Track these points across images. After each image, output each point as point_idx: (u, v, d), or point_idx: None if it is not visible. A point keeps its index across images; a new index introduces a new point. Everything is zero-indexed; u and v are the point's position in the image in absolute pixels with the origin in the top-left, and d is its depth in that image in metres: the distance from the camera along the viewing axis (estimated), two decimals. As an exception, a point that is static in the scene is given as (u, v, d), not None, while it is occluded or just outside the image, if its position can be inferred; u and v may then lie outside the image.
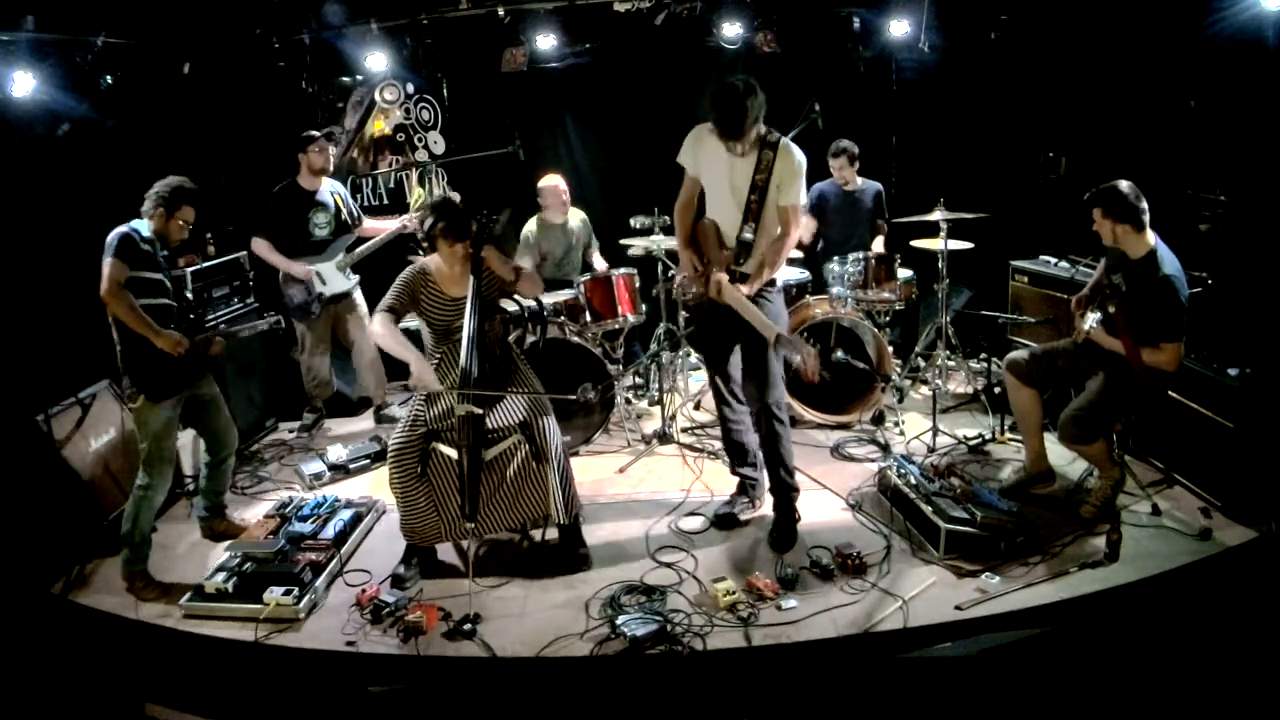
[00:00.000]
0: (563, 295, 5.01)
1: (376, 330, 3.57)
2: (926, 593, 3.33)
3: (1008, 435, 4.66)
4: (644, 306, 5.11)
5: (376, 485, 4.55)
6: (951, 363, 5.38)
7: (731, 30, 5.65)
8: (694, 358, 5.90)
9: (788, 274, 5.18)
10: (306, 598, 3.39)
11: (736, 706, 2.94)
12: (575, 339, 4.80)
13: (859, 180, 5.57)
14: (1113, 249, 3.70)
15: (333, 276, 5.08)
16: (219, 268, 5.11)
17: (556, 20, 5.56)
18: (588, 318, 4.96)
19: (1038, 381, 3.99)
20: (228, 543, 3.82)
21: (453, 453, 3.48)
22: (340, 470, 4.72)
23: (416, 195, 6.20)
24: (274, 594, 3.36)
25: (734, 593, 3.32)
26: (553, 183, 5.35)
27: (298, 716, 3.11)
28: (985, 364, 5.43)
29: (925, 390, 5.33)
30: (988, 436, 4.71)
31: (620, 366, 5.36)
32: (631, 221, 5.24)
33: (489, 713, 3.04)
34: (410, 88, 6.07)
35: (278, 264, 4.99)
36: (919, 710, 2.93)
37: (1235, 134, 4.56)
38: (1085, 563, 3.42)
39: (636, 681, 3.01)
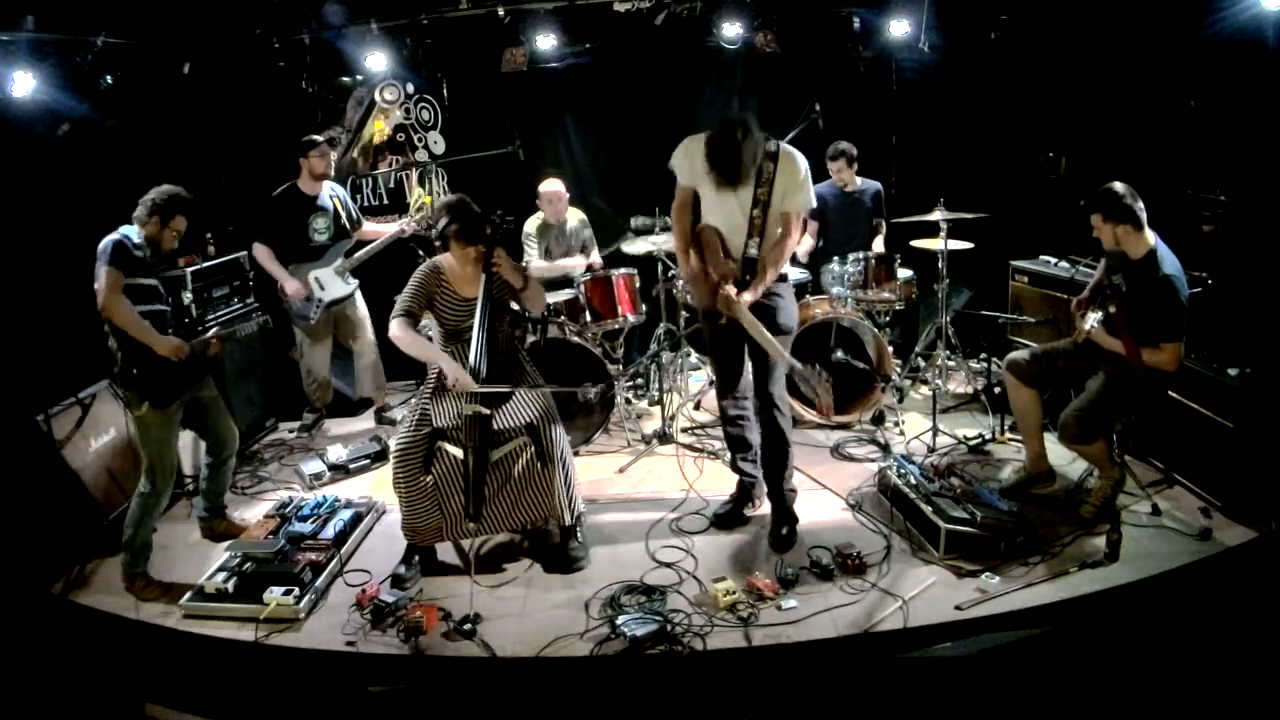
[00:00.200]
0: (563, 295, 5.01)
1: (397, 336, 3.52)
2: (926, 593, 3.33)
3: (1008, 435, 4.66)
4: (644, 306, 5.11)
5: (376, 485, 4.55)
6: (951, 363, 5.38)
7: (731, 30, 5.65)
8: (694, 358, 5.91)
9: (790, 274, 5.18)
10: (306, 598, 3.39)
11: (736, 706, 2.94)
12: (575, 339, 4.80)
13: (858, 181, 5.57)
14: (1113, 250, 3.70)
15: (331, 282, 5.08)
16: (219, 268, 5.12)
17: (556, 20, 5.56)
18: (588, 318, 4.96)
19: (1038, 381, 3.99)
20: (228, 543, 3.82)
21: (458, 452, 3.47)
22: (340, 470, 4.72)
23: (416, 195, 6.20)
24: (274, 594, 3.36)
25: (734, 593, 3.32)
26: (553, 188, 5.36)
27: (298, 716, 3.11)
28: (985, 364, 5.43)
29: (925, 390, 5.33)
30: (988, 436, 4.71)
31: (620, 366, 5.37)
32: (631, 221, 5.24)
33: (489, 713, 3.04)
34: (410, 88, 6.07)
35: (274, 274, 4.99)
36: (919, 710, 2.93)
37: (1235, 134, 4.56)
38: (1085, 563, 3.43)
39: (636, 681, 3.01)
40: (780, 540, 3.75)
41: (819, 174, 5.45)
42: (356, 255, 5.15)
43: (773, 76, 6.04)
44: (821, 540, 3.71)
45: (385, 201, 6.27)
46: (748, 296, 3.49)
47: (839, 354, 4.94)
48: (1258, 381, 3.66)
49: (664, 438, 4.90)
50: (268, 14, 5.42)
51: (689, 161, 3.60)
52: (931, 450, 4.61)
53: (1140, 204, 3.53)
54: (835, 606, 3.28)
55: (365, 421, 5.58)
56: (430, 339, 3.80)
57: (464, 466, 3.44)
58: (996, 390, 4.80)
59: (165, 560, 3.85)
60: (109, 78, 4.82)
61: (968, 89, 5.89)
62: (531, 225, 5.43)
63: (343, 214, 5.19)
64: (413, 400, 3.77)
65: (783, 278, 3.66)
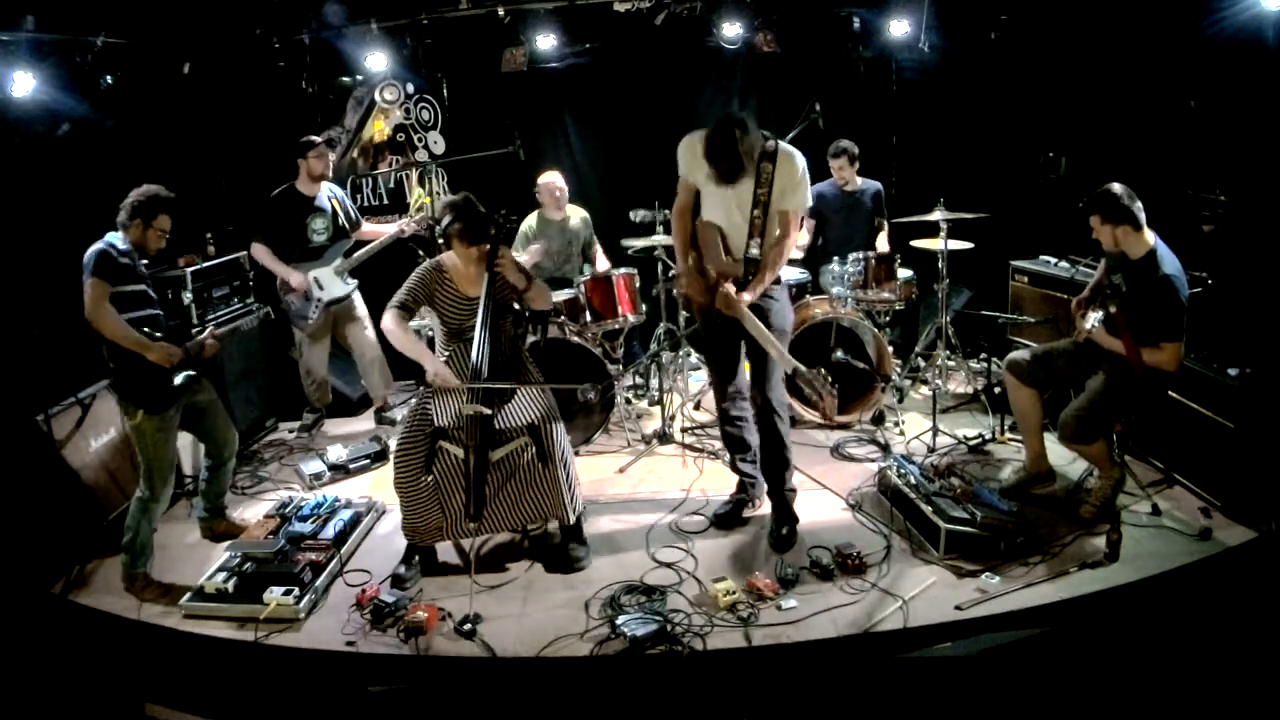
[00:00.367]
0: (563, 295, 5.00)
1: (388, 327, 3.54)
2: (926, 593, 3.33)
3: (1008, 435, 4.66)
4: (644, 306, 5.11)
5: (376, 485, 4.55)
6: (951, 363, 5.38)
7: (731, 30, 5.65)
8: (694, 358, 5.91)
9: (787, 274, 5.18)
10: (306, 598, 3.39)
11: (736, 706, 2.94)
12: (575, 339, 4.80)
13: (859, 180, 5.56)
14: (1113, 251, 3.70)
15: (330, 282, 5.08)
16: (219, 268, 5.12)
17: (556, 20, 5.56)
18: (588, 318, 4.96)
19: (1038, 381, 3.99)
20: (228, 543, 3.82)
21: (459, 452, 3.47)
22: (340, 470, 4.72)
23: (416, 195, 6.20)
24: (274, 594, 3.36)
25: (734, 593, 3.32)
26: (548, 180, 5.36)
27: (298, 716, 3.11)
28: (985, 364, 5.43)
29: (925, 390, 5.33)
30: (988, 436, 4.71)
31: (620, 366, 5.37)
32: (632, 215, 5.23)
33: (489, 713, 3.04)
34: (410, 88, 6.08)
35: (275, 270, 4.99)
36: (919, 710, 2.93)
37: (1235, 134, 4.56)
38: (1085, 563, 3.42)
39: (636, 681, 3.01)
40: (780, 540, 3.75)
41: (820, 173, 5.48)
42: (355, 255, 5.15)
43: (773, 76, 6.05)
44: (821, 540, 3.70)
45: (385, 201, 6.28)
46: (747, 296, 3.49)
47: (839, 354, 4.94)
48: (1258, 381, 3.66)
49: (664, 438, 4.90)
50: (268, 14, 5.43)
51: (691, 156, 3.61)
52: (931, 450, 4.61)
53: (1139, 204, 3.53)
54: (835, 606, 3.28)
55: (365, 421, 5.58)
56: (432, 338, 3.80)
57: (465, 466, 3.44)
58: (996, 390, 4.80)
59: (165, 560, 3.85)
60: (109, 78, 4.83)
61: (968, 89, 5.89)
62: (529, 223, 5.44)
63: (341, 214, 5.19)
64: (413, 400, 3.77)
65: (776, 280, 3.66)
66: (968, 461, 4.46)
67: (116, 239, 3.55)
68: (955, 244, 5.07)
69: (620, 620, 3.16)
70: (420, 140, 6.18)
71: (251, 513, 4.30)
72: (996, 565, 3.44)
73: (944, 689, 2.96)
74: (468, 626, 3.22)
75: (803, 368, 3.29)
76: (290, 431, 5.44)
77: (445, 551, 3.80)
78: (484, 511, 3.44)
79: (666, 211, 4.87)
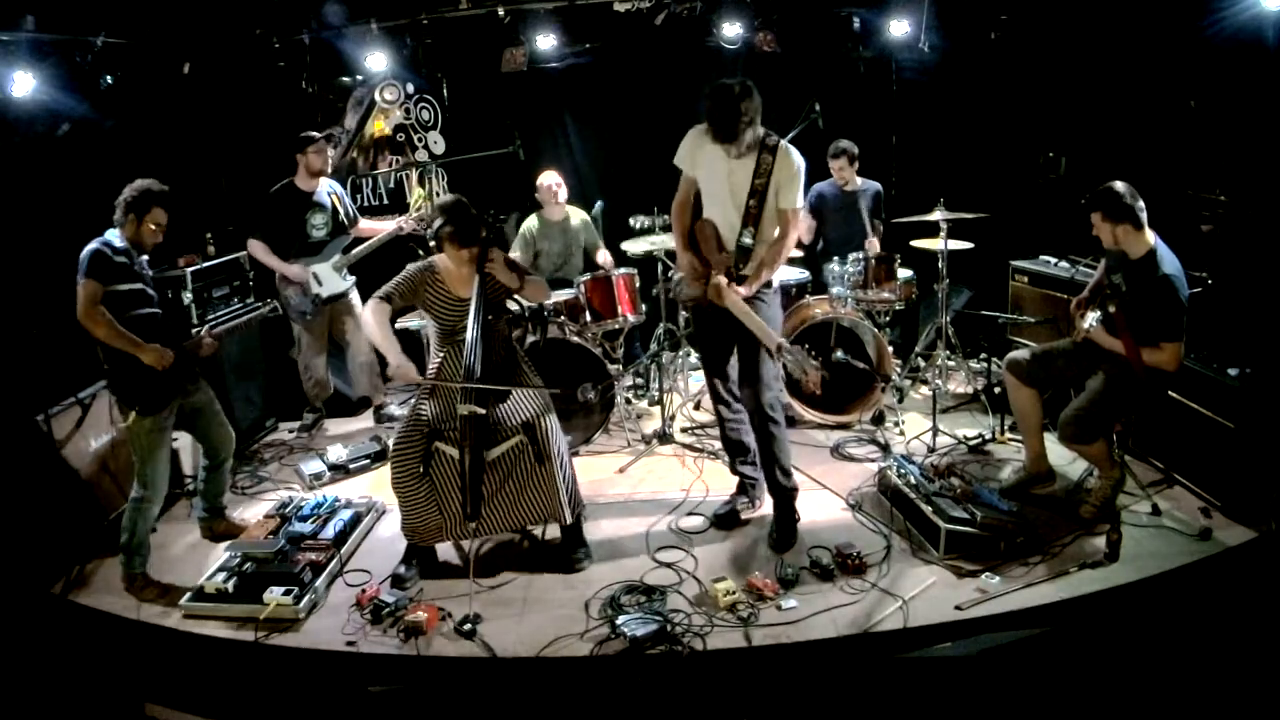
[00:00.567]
0: (563, 295, 5.00)
1: (366, 315, 3.57)
2: (926, 593, 3.33)
3: (1008, 435, 4.66)
4: (644, 306, 5.11)
5: (376, 485, 4.55)
6: (951, 363, 5.38)
7: (731, 30, 5.65)
8: (694, 358, 5.90)
9: (787, 274, 5.19)
10: (306, 598, 3.39)
11: (736, 706, 2.94)
12: (575, 339, 4.80)
13: (858, 180, 5.56)
14: (1113, 250, 3.70)
15: (329, 277, 5.08)
16: (219, 268, 5.12)
17: (556, 20, 5.56)
18: (588, 318, 4.95)
19: (1038, 381, 3.99)
20: (228, 543, 3.82)
21: (455, 452, 3.47)
22: (340, 470, 4.72)
23: (416, 195, 6.20)
24: (274, 594, 3.35)
25: (734, 593, 3.32)
26: (547, 180, 5.37)
27: (298, 716, 3.11)
28: (985, 364, 5.43)
29: (925, 390, 5.33)
30: (988, 436, 4.71)
31: (620, 366, 5.37)
32: (631, 221, 5.24)
33: (489, 713, 3.04)
34: (410, 88, 6.07)
35: (273, 266, 4.99)
36: (919, 710, 2.93)
37: (1235, 134, 4.56)
38: (1085, 563, 3.42)
39: (636, 681, 3.01)
40: (780, 540, 3.75)
41: (820, 172, 5.48)
42: (354, 252, 5.16)
43: (773, 76, 6.02)
44: (821, 540, 3.70)
45: (385, 201, 6.28)
46: (741, 290, 3.49)
47: (839, 354, 4.95)
48: (1258, 381, 3.66)
49: (664, 438, 4.90)
50: (268, 14, 5.43)
51: (694, 144, 3.64)
52: (931, 450, 4.61)
53: (1140, 203, 3.53)
54: (835, 606, 3.28)
55: (365, 421, 5.58)
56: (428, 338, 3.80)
57: (460, 466, 3.44)
58: (996, 390, 4.80)
59: (165, 560, 3.85)
60: (109, 78, 4.82)
61: (968, 89, 5.89)
62: (530, 224, 5.44)
63: (340, 210, 5.19)
64: (412, 400, 3.77)
65: (768, 284, 3.66)
66: (968, 461, 4.45)
67: (114, 236, 3.54)
68: (955, 244, 5.07)
69: (620, 620, 3.16)
70: (420, 140, 6.18)
71: (251, 513, 4.30)
72: (996, 565, 3.44)
73: (944, 689, 2.96)
74: (468, 626, 3.22)
75: (786, 343, 3.29)
76: (290, 431, 5.44)
77: (445, 552, 3.80)
78: (481, 512, 3.44)
79: (665, 217, 4.88)
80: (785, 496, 3.81)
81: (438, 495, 3.53)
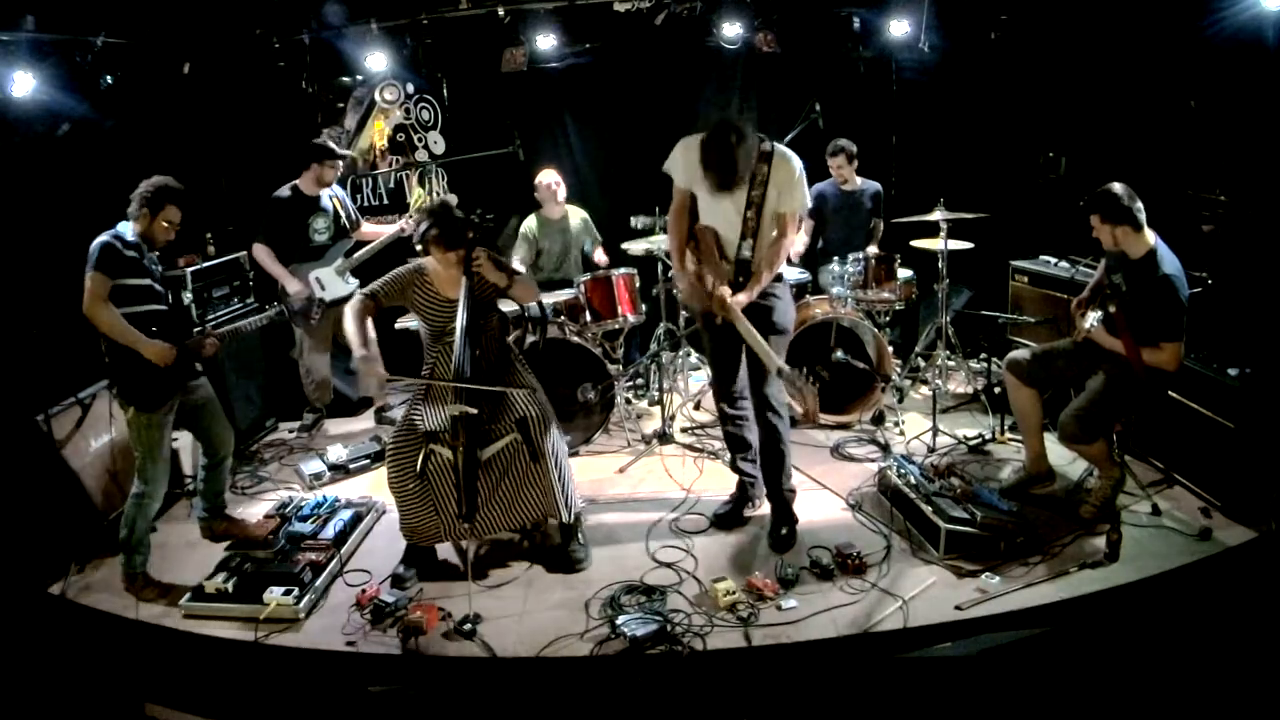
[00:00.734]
0: (563, 295, 5.00)
1: (348, 307, 3.59)
2: (926, 593, 3.33)
3: (1008, 435, 4.66)
4: (644, 306, 5.11)
5: (376, 485, 4.55)
6: (951, 363, 5.38)
7: (731, 30, 5.65)
8: (694, 358, 5.91)
9: (788, 274, 5.18)
10: (306, 598, 3.39)
11: (736, 706, 2.94)
12: (575, 339, 4.80)
13: (858, 180, 5.56)
14: (1113, 250, 3.70)
15: (332, 281, 5.08)
16: (219, 268, 5.12)
17: (556, 20, 5.56)
18: (588, 318, 4.95)
19: (1038, 381, 3.99)
20: (227, 543, 3.81)
21: (448, 453, 3.47)
22: (340, 470, 4.72)
23: (416, 195, 6.20)
24: (274, 594, 3.36)
25: (734, 593, 3.32)
26: (546, 179, 5.38)
27: (298, 716, 3.11)
28: (985, 364, 5.43)
29: (925, 390, 5.33)
30: (988, 436, 4.71)
31: (620, 366, 5.37)
32: (632, 221, 5.24)
33: (489, 713, 3.04)
34: (410, 88, 6.07)
35: (275, 274, 4.99)
36: (919, 710, 2.93)
37: (1235, 134, 4.55)
38: (1085, 563, 3.42)
39: (636, 681, 3.01)
40: (780, 540, 3.75)
41: (821, 173, 5.48)
42: (356, 255, 5.16)
43: (773, 76, 6.04)
44: (821, 540, 3.70)
45: (385, 201, 6.28)
46: (742, 298, 3.49)
47: (839, 354, 4.95)
48: (1258, 381, 3.66)
49: (664, 438, 4.90)
50: (268, 14, 5.43)
51: (686, 162, 3.60)
52: (931, 450, 4.61)
53: (1139, 204, 3.53)
54: (835, 606, 3.28)
55: (365, 421, 5.58)
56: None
57: (454, 467, 3.43)
58: (996, 390, 4.80)
59: (165, 560, 3.85)
60: (109, 78, 4.83)
61: (968, 89, 5.89)
62: (530, 223, 5.44)
63: (342, 214, 5.20)
64: (409, 401, 3.77)
65: (779, 278, 3.65)
66: (968, 461, 4.45)
67: (126, 229, 3.55)
68: (955, 244, 5.07)
69: (620, 620, 3.16)
70: (420, 140, 6.18)
71: (251, 513, 4.30)
72: (996, 565, 3.44)
73: (944, 689, 2.96)
74: (468, 626, 3.22)
75: (786, 367, 3.30)
76: (290, 431, 5.44)
77: (445, 552, 3.80)
78: (477, 513, 3.43)
79: (666, 218, 4.87)
80: (785, 497, 3.80)
81: (434, 497, 3.53)
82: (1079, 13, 5.22)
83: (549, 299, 4.88)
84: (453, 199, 5.26)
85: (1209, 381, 3.82)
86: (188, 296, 4.78)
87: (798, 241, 5.49)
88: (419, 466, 3.49)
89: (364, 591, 3.44)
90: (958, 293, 5.80)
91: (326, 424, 5.50)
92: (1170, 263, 3.52)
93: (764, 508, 3.99)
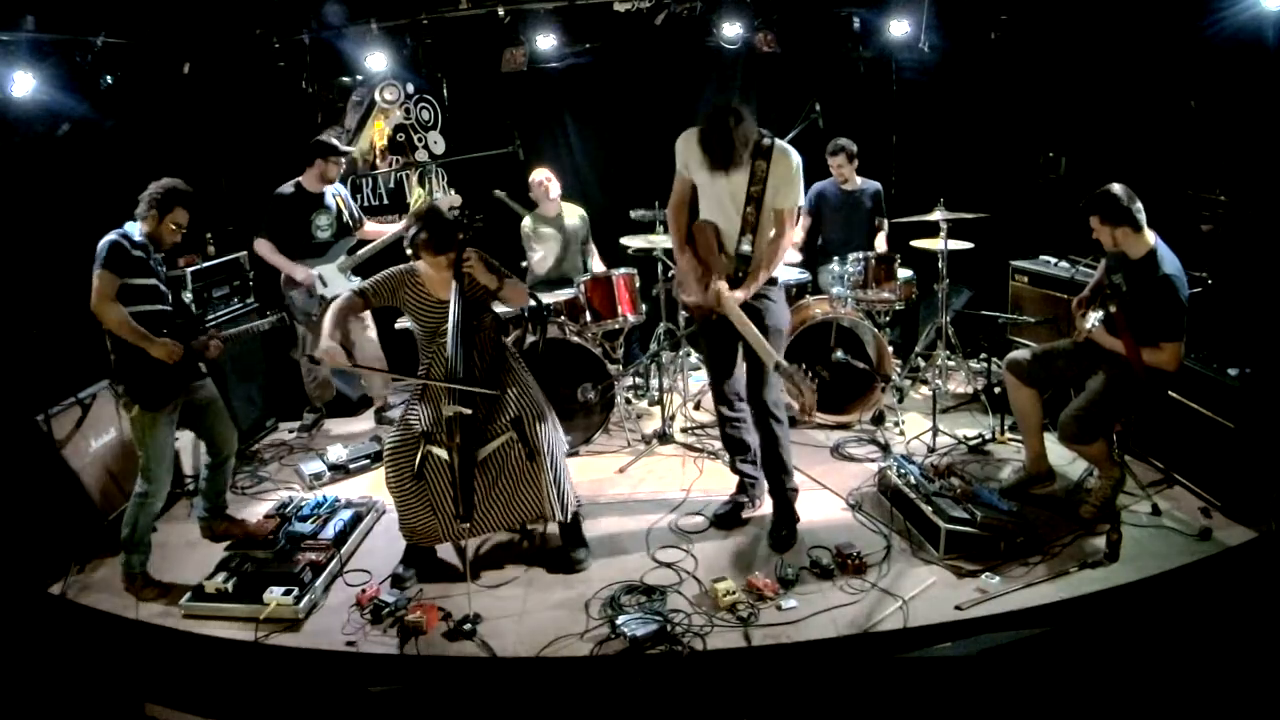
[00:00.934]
0: (563, 295, 5.00)
1: (335, 301, 3.60)
2: (926, 593, 3.33)
3: (1008, 435, 4.66)
4: (644, 306, 5.10)
5: (376, 485, 4.55)
6: (951, 363, 5.38)
7: (731, 30, 5.65)
8: (694, 358, 5.91)
9: (787, 275, 5.18)
10: (306, 598, 3.39)
11: (736, 706, 2.94)
12: (575, 339, 4.80)
13: (858, 180, 5.56)
14: (1113, 250, 3.70)
15: (334, 278, 5.08)
16: (219, 268, 5.12)
17: (556, 20, 5.56)
18: (588, 318, 4.95)
19: (1038, 381, 3.99)
20: (228, 542, 3.81)
21: (445, 454, 3.47)
22: (340, 470, 4.72)
23: (417, 195, 6.20)
24: (274, 594, 3.36)
25: (734, 593, 3.32)
26: (537, 176, 5.39)
27: (298, 716, 3.11)
28: (985, 364, 5.43)
29: (925, 390, 5.33)
30: (988, 436, 4.71)
31: (620, 366, 5.37)
32: (632, 213, 5.23)
33: (489, 713, 3.04)
34: (410, 88, 6.08)
35: (280, 266, 4.99)
36: (919, 710, 2.93)
37: (1235, 134, 4.56)
38: (1085, 563, 3.42)
39: (636, 681, 3.01)
40: (780, 540, 3.75)
41: (820, 172, 5.48)
42: (359, 253, 5.16)
43: (773, 76, 6.05)
44: (821, 540, 3.71)
45: (385, 201, 6.28)
46: (740, 294, 3.49)
47: (839, 354, 4.95)
48: (1258, 381, 3.66)
49: (664, 438, 4.90)
50: (268, 14, 5.43)
51: (687, 150, 3.62)
52: (931, 450, 4.61)
53: (1138, 205, 3.53)
54: (835, 606, 3.28)
55: (365, 421, 5.58)
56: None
57: (450, 467, 3.43)
58: (996, 390, 4.80)
59: (165, 560, 3.85)
60: (109, 78, 4.83)
61: (968, 89, 5.89)
62: (526, 224, 5.44)
63: (345, 212, 5.20)
64: (406, 401, 3.77)
65: (773, 280, 3.65)
66: (968, 461, 4.46)
67: (133, 229, 3.55)
68: (955, 244, 5.07)
69: (620, 620, 3.16)
70: (420, 140, 6.18)
71: (252, 513, 4.30)
72: (996, 565, 3.44)
73: (944, 689, 2.96)
74: (468, 626, 3.22)
75: (784, 363, 3.29)
76: (290, 431, 5.44)
77: (445, 552, 3.80)
78: (474, 513, 3.43)
79: (666, 211, 4.87)
80: (786, 497, 3.81)
81: (432, 498, 3.52)
82: (1079, 13, 5.22)
83: (549, 299, 4.87)
84: (457, 199, 5.25)
85: (1209, 381, 3.82)
86: (188, 296, 4.77)
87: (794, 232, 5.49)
88: (416, 467, 3.49)
89: (364, 591, 3.44)
90: (958, 293, 5.80)
91: (326, 424, 5.51)
92: (1170, 263, 3.52)
93: (764, 508, 4.00)
